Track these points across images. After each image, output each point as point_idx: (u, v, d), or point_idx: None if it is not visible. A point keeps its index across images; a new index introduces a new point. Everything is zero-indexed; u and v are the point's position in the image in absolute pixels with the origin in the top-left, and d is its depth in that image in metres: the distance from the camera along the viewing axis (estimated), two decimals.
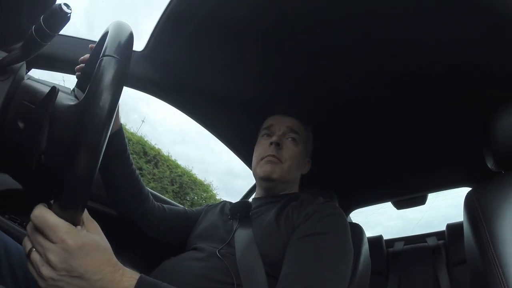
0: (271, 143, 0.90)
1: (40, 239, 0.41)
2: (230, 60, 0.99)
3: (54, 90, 0.40)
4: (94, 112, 0.36)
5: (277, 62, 0.97)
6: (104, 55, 0.39)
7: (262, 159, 0.91)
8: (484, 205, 0.68)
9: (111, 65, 0.38)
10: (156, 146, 5.06)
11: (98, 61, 0.39)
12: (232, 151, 1.39)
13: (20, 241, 0.67)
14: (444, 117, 1.09)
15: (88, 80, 0.40)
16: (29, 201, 0.39)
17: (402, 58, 0.89)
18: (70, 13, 0.39)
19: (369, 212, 1.73)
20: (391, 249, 1.82)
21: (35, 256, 0.42)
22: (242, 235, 0.76)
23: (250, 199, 0.98)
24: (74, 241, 0.41)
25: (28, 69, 0.49)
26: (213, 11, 0.82)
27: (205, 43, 0.93)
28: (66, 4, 0.39)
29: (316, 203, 0.78)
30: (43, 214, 0.41)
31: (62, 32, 0.41)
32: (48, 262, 0.40)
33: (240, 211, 0.84)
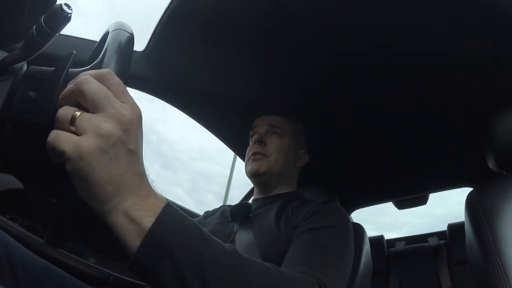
0: (254, 142, 0.93)
1: (111, 93, 0.33)
2: (230, 60, 0.99)
3: (71, 54, 0.40)
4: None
5: (277, 62, 0.97)
6: (112, 31, 0.41)
7: (249, 158, 0.93)
8: (485, 205, 0.68)
9: (120, 36, 0.41)
10: None
11: (108, 36, 0.41)
12: (234, 151, 1.39)
13: (20, 241, 0.67)
14: (445, 117, 1.08)
15: None
16: (29, 201, 0.38)
17: (401, 58, 0.89)
18: (71, 13, 0.39)
19: (395, 212, 1.73)
20: (392, 249, 1.82)
21: (89, 115, 0.32)
22: (243, 237, 0.76)
23: (250, 201, 0.98)
24: (139, 108, 0.35)
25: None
26: (213, 12, 0.82)
27: (206, 44, 0.93)
28: (66, 4, 0.39)
29: (317, 203, 0.77)
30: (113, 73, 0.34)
31: (63, 32, 0.42)
32: (120, 118, 0.32)
33: (240, 213, 0.83)
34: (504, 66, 0.86)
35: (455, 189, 1.55)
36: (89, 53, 0.55)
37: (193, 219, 0.38)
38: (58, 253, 0.90)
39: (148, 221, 0.33)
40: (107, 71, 0.34)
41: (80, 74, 0.34)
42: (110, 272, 1.02)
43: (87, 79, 0.32)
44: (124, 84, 0.38)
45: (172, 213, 0.35)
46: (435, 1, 0.72)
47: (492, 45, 0.81)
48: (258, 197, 0.95)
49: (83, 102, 0.32)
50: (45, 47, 0.41)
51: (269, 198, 0.91)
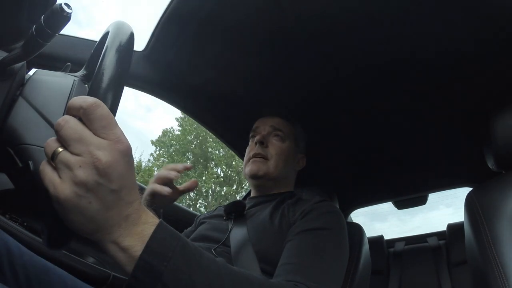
0: (256, 143, 0.92)
1: (87, 133, 0.32)
2: (231, 60, 0.99)
3: (28, 167, 0.36)
4: None
5: (278, 62, 0.97)
6: (112, 30, 0.40)
7: (249, 159, 0.92)
8: (484, 205, 0.68)
9: (120, 36, 0.40)
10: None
11: (108, 36, 0.40)
12: (234, 151, 1.39)
13: (21, 241, 0.67)
14: (444, 117, 1.09)
15: (91, 75, 0.40)
16: (26, 201, 0.38)
17: (401, 58, 0.89)
18: (71, 13, 0.39)
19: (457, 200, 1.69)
20: (391, 249, 1.81)
21: (66, 156, 0.31)
22: (237, 234, 0.76)
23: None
24: (127, 142, 0.33)
25: (29, 69, 0.49)
26: (213, 12, 0.82)
27: (206, 43, 0.93)
28: (66, 4, 0.39)
29: (313, 202, 0.78)
30: (100, 103, 0.32)
31: (62, 31, 0.42)
32: (95, 163, 0.31)
33: (234, 211, 0.84)
34: (504, 66, 0.86)
35: (454, 189, 1.55)
36: (89, 53, 0.55)
37: (185, 236, 0.39)
38: (58, 253, 0.90)
39: (137, 249, 0.34)
40: (93, 102, 0.32)
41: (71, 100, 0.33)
42: (110, 272, 1.02)
43: (64, 120, 0.32)
44: (124, 85, 0.38)
45: (161, 237, 0.36)
46: (435, 3, 0.72)
47: (492, 46, 0.81)
48: (254, 196, 0.95)
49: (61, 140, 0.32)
50: (44, 47, 0.41)
51: (265, 197, 0.91)
